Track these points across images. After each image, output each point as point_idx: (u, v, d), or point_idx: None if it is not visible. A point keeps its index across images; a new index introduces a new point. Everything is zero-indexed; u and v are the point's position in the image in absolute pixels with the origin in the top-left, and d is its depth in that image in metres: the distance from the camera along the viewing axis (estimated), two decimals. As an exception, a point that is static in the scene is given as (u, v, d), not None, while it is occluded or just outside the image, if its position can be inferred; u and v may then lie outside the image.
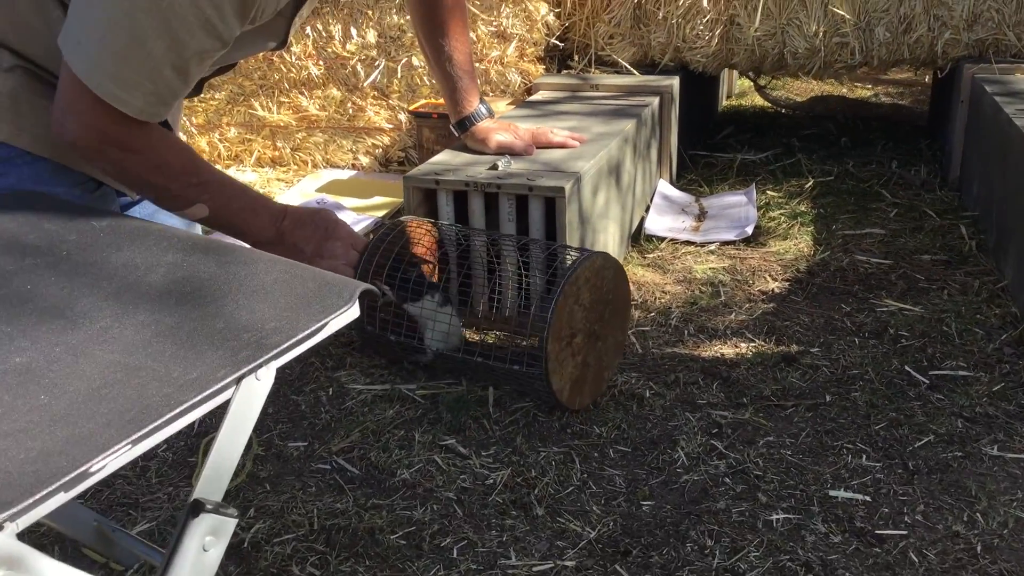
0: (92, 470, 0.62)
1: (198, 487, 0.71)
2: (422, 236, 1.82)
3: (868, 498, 1.42)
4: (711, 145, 3.20)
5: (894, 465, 1.49)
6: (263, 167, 3.10)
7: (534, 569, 1.30)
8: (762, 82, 3.76)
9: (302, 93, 2.98)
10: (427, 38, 1.87)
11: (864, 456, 1.52)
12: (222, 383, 0.69)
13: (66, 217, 0.99)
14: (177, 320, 0.78)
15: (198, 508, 0.70)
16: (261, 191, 2.90)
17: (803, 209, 2.57)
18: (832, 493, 1.43)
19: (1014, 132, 2.06)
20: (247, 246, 0.89)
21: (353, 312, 0.79)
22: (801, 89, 3.98)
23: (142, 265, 0.88)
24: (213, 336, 0.75)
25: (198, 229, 1.61)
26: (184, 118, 3.09)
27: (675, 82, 2.69)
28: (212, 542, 0.71)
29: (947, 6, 2.58)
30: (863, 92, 3.93)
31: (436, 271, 1.84)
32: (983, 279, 2.09)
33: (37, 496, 0.59)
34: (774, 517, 1.38)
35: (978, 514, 1.38)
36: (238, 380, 0.71)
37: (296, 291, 0.80)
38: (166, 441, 1.65)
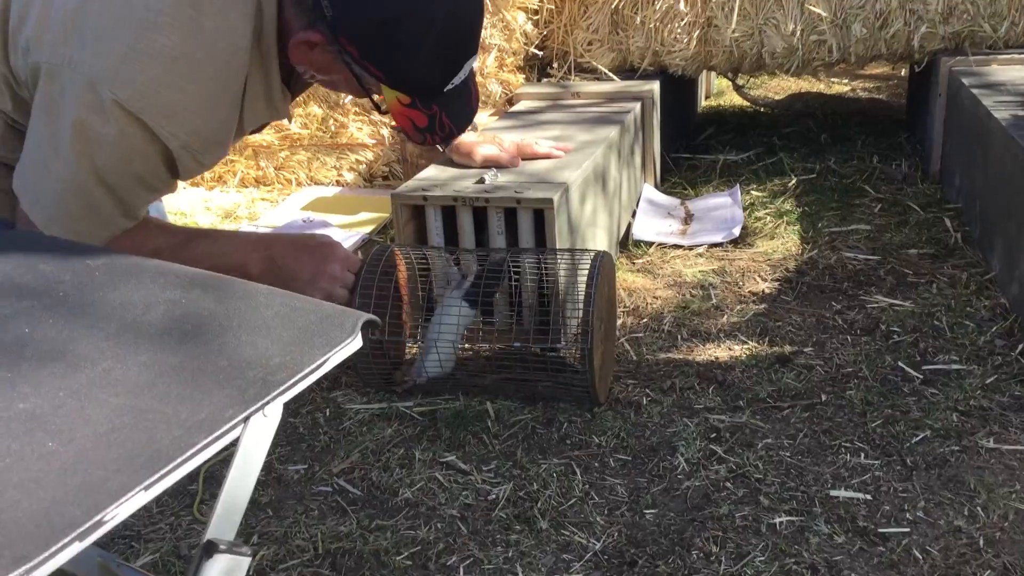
0: (106, 519, 0.61)
1: (211, 527, 0.71)
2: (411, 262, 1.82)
3: (869, 496, 1.43)
4: (693, 147, 3.21)
5: (892, 462, 1.51)
6: (247, 187, 3.09)
7: (542, 584, 1.30)
8: (740, 81, 3.78)
9: (283, 112, 2.97)
10: None
11: (862, 454, 1.53)
12: (231, 423, 0.69)
13: (60, 257, 0.99)
14: (180, 359, 0.78)
15: (212, 549, 0.70)
16: (246, 211, 2.90)
17: (788, 208, 2.58)
18: (833, 493, 1.44)
19: (993, 125, 2.08)
20: (244, 280, 0.89)
21: (356, 344, 0.80)
22: (779, 87, 4.01)
23: (140, 303, 0.88)
24: (218, 374, 0.75)
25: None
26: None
27: (655, 86, 2.70)
28: (227, 582, 0.71)
29: (922, 0, 2.61)
30: (840, 88, 3.96)
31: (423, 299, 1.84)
32: (971, 271, 2.11)
33: (53, 549, 0.59)
34: (777, 520, 1.39)
35: (979, 508, 1.39)
36: (246, 419, 0.71)
37: (297, 324, 0.80)
38: (165, 471, 1.64)
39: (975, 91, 2.31)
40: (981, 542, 1.32)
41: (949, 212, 2.43)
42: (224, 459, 1.64)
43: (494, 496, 1.49)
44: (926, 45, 2.65)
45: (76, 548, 0.62)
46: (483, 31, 2.74)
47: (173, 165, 1.25)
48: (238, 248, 1.45)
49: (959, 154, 2.47)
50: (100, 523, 0.62)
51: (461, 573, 1.33)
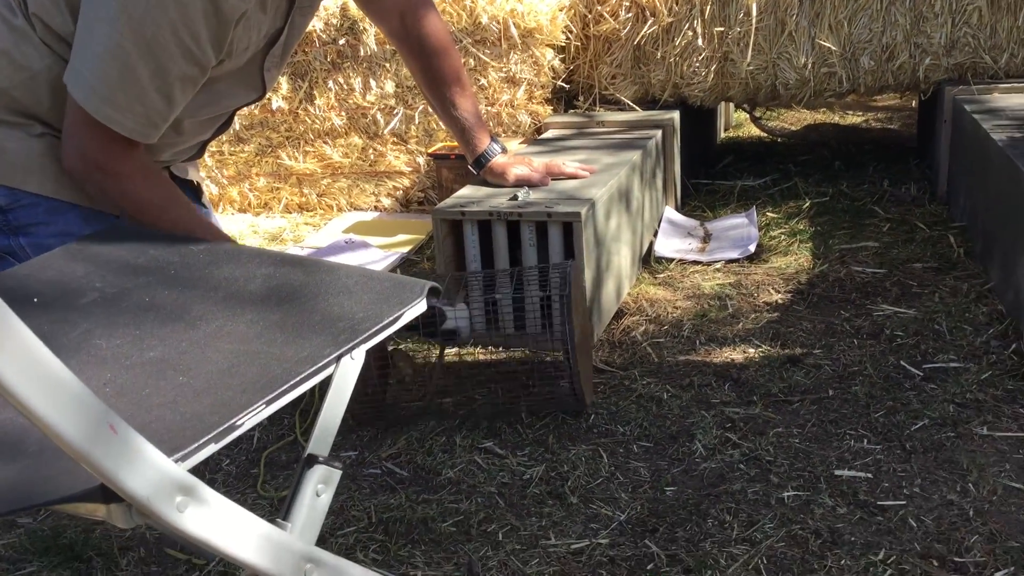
0: (237, 424, 0.78)
1: (310, 444, 0.88)
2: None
3: (870, 475, 1.57)
4: (712, 174, 3.38)
5: (893, 447, 1.65)
6: (291, 213, 3.29)
7: (572, 547, 1.45)
8: (757, 113, 3.95)
9: (326, 142, 3.18)
10: (430, 90, 2.04)
11: (865, 440, 1.67)
12: (328, 359, 0.86)
13: (166, 244, 1.17)
14: (281, 317, 0.95)
15: (312, 460, 0.87)
16: (291, 235, 3.09)
17: (801, 227, 2.74)
18: (837, 472, 1.59)
19: (992, 146, 2.24)
20: (328, 259, 1.06)
21: (422, 305, 0.96)
22: (795, 119, 4.18)
23: (241, 278, 1.05)
24: (314, 326, 0.92)
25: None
26: (216, 170, 3.29)
27: (675, 116, 2.88)
28: (323, 488, 0.87)
29: (926, 34, 2.78)
30: (854, 119, 4.12)
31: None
32: (971, 282, 2.26)
33: (197, 443, 0.76)
34: (785, 494, 1.53)
35: (970, 484, 1.53)
36: (338, 359, 0.88)
37: (375, 289, 0.97)
38: (229, 455, 1.81)
39: (976, 116, 2.47)
40: (971, 512, 1.46)
41: (954, 230, 2.58)
42: (282, 446, 1.81)
43: (528, 476, 1.64)
44: (931, 76, 2.82)
45: (212, 448, 0.79)
46: (514, 66, 2.94)
47: (210, 19, 1.31)
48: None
49: (963, 175, 2.62)
50: (232, 427, 0.79)
51: (500, 537, 1.48)
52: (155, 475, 0.70)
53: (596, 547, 1.44)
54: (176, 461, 0.73)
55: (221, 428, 0.77)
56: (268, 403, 0.81)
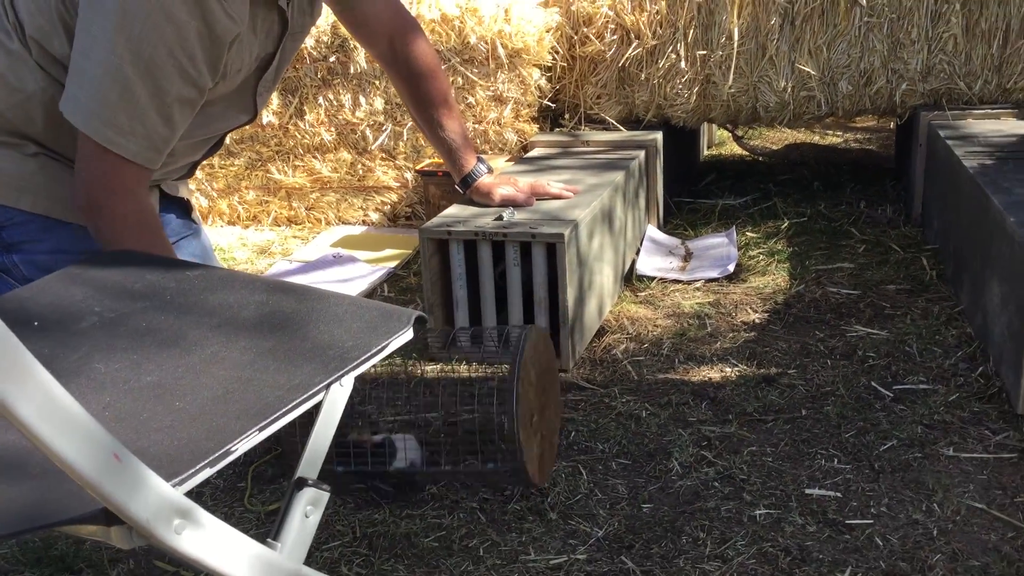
0: (232, 450, 0.83)
1: (300, 468, 0.92)
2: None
3: (839, 494, 1.63)
4: (694, 192, 3.45)
5: (862, 466, 1.71)
6: (279, 226, 3.34)
7: (551, 562, 1.50)
8: (739, 132, 4.02)
9: (315, 157, 3.23)
10: (418, 112, 2.09)
11: (836, 460, 1.73)
12: (318, 387, 0.91)
13: (163, 269, 1.21)
14: (273, 344, 1.00)
15: (301, 483, 0.91)
16: (279, 247, 3.13)
17: (780, 247, 2.80)
18: (808, 491, 1.64)
19: (963, 172, 2.31)
20: (319, 287, 1.11)
21: (408, 335, 1.01)
22: (776, 138, 4.25)
23: (235, 304, 1.10)
24: (305, 354, 0.97)
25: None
26: (206, 183, 3.33)
27: (659, 136, 2.94)
28: (312, 510, 0.92)
29: (903, 60, 2.85)
30: (834, 139, 4.20)
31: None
32: (942, 304, 2.32)
33: (194, 469, 0.80)
34: (757, 512, 1.59)
35: (935, 504, 1.59)
36: (327, 386, 0.93)
37: (364, 318, 1.02)
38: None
39: (950, 142, 2.54)
40: (935, 532, 1.52)
41: (927, 252, 2.65)
42: (268, 460, 1.85)
43: (509, 492, 1.69)
44: (907, 101, 2.89)
45: (208, 472, 0.83)
46: (501, 85, 3.00)
47: (207, 34, 1.35)
48: None
49: (937, 199, 2.69)
50: (227, 453, 0.83)
51: (481, 552, 1.53)
52: (155, 500, 0.74)
53: (574, 563, 1.49)
54: (174, 486, 0.78)
55: (216, 454, 0.82)
56: (261, 429, 0.85)
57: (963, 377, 1.97)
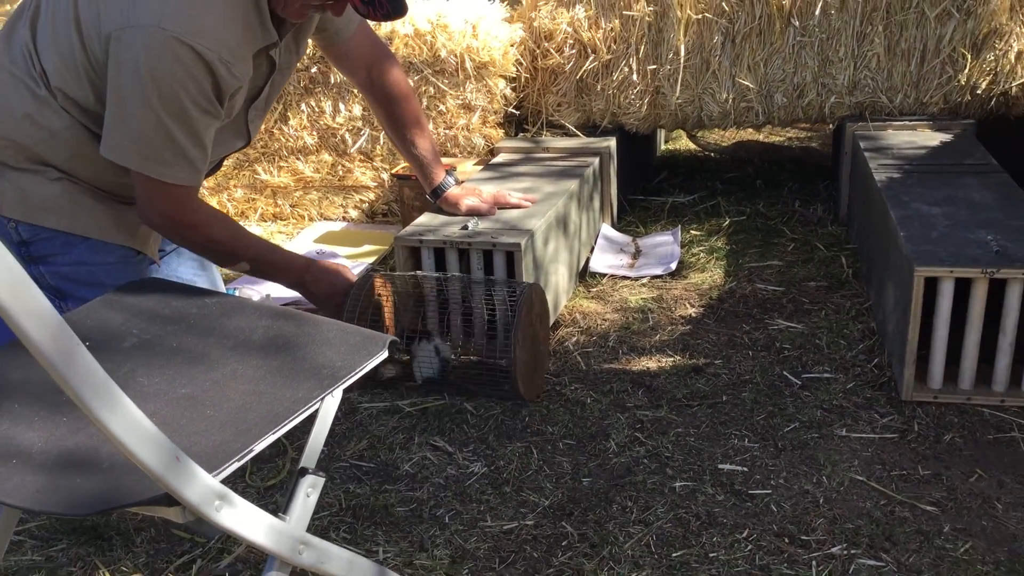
0: (254, 449, 1.13)
1: (302, 459, 1.23)
2: (387, 290, 2.33)
3: (746, 469, 1.95)
4: (648, 189, 3.75)
5: (767, 445, 2.03)
6: (266, 222, 3.61)
7: (504, 527, 1.81)
8: (694, 131, 4.32)
9: (299, 158, 3.50)
10: (393, 131, 2.39)
11: (747, 439, 2.05)
12: (315, 400, 1.20)
13: (184, 297, 1.50)
14: (279, 363, 1.30)
15: (303, 471, 1.21)
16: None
17: (719, 245, 3.12)
18: (720, 466, 1.96)
19: (873, 184, 2.62)
20: (313, 314, 1.41)
21: (384, 354, 1.31)
22: (727, 136, 4.56)
23: (247, 328, 1.39)
24: (304, 372, 1.26)
25: (219, 282, 2.16)
26: (196, 182, 3.59)
27: (612, 142, 3.23)
28: (312, 491, 1.22)
29: (832, 75, 3.15)
30: (778, 137, 4.51)
31: (419, 317, 2.35)
32: (853, 300, 2.65)
33: (228, 463, 1.10)
34: (677, 484, 1.91)
35: (824, 477, 1.92)
36: (322, 398, 1.23)
37: (349, 341, 1.32)
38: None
39: (866, 153, 2.85)
40: (821, 500, 1.85)
41: (847, 251, 2.97)
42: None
43: (472, 469, 2.00)
44: (836, 112, 3.20)
45: (235, 466, 1.13)
46: (469, 94, 3.28)
47: (217, 85, 1.68)
48: (289, 269, 2.01)
49: (857, 202, 3.01)
50: (251, 451, 1.13)
51: (447, 520, 1.84)
52: (202, 487, 1.04)
53: (523, 528, 1.81)
54: (214, 476, 1.08)
55: (243, 452, 1.12)
56: (274, 432, 1.15)
57: (861, 367, 2.30)
